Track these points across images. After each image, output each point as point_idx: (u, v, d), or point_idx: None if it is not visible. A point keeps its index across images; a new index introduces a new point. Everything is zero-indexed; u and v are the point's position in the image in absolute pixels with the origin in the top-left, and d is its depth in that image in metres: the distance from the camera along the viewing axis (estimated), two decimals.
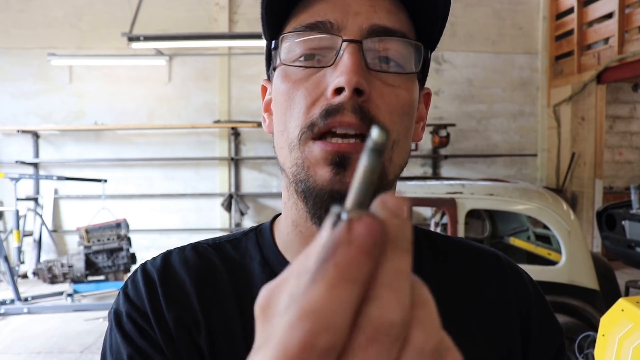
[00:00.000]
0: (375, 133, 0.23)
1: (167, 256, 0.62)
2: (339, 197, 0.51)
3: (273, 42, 0.58)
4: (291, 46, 0.54)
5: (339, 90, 0.50)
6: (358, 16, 0.53)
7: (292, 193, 0.57)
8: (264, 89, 0.64)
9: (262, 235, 0.64)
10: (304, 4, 0.55)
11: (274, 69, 0.58)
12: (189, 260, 0.61)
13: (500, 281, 0.65)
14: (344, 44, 0.51)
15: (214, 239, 0.65)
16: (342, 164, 0.50)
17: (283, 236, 0.61)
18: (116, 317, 0.57)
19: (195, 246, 0.63)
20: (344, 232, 0.21)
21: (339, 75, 0.50)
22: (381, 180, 0.53)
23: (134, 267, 5.54)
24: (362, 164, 0.23)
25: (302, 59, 0.54)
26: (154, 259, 0.62)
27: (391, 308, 0.21)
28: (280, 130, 0.56)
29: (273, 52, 0.58)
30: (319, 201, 0.52)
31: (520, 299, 0.64)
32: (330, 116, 0.50)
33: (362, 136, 0.51)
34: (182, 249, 0.63)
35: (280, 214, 0.64)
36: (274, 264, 0.60)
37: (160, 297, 0.57)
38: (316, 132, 0.51)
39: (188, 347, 0.55)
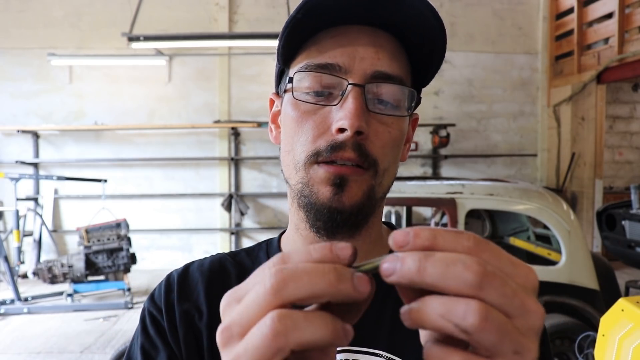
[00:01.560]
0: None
1: (189, 265, 0.74)
2: (336, 212, 0.60)
3: (286, 70, 0.67)
4: (302, 81, 0.62)
5: (342, 130, 0.59)
6: (363, 62, 0.60)
7: (294, 201, 0.66)
8: (272, 102, 0.73)
9: (271, 244, 0.75)
10: (315, 40, 0.62)
11: (285, 91, 0.66)
12: (204, 265, 0.73)
13: None
14: (349, 87, 0.60)
15: (234, 250, 0.77)
16: (341, 185, 0.60)
17: (288, 239, 0.72)
18: (142, 314, 0.70)
19: (214, 255, 0.75)
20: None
21: (343, 117, 0.58)
22: (370, 199, 0.62)
23: (134, 267, 5.57)
24: (381, 263, 0.33)
25: (311, 92, 0.62)
26: (179, 267, 0.74)
27: None
28: (287, 150, 0.65)
29: (284, 77, 0.67)
30: (319, 214, 0.61)
31: None
32: (334, 151, 0.59)
33: (359, 166, 0.60)
34: (203, 258, 0.75)
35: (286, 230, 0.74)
36: None
37: (175, 294, 0.69)
38: (320, 160, 0.61)
39: (187, 334, 0.66)
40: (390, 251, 0.69)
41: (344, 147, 0.59)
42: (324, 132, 0.60)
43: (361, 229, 0.64)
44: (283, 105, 0.67)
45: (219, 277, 0.71)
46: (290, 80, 0.63)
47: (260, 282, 0.32)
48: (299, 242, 0.68)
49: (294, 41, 0.63)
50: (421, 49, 0.63)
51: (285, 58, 0.65)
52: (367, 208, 0.62)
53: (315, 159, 0.60)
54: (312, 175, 0.61)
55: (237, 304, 0.33)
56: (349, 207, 0.60)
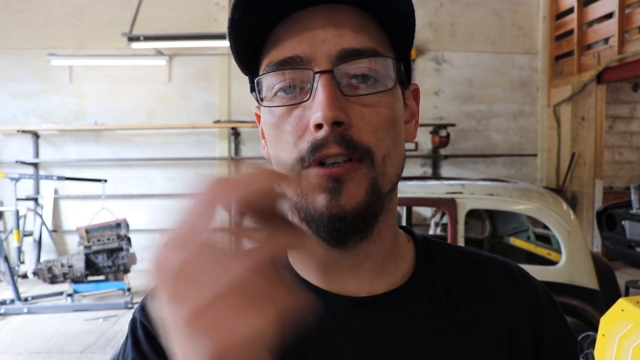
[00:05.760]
0: None
1: None
2: (337, 219, 0.53)
3: (252, 79, 0.60)
4: (268, 84, 0.56)
5: (319, 125, 0.52)
6: (325, 44, 0.53)
7: (295, 214, 0.58)
8: (257, 117, 0.65)
9: None
10: (273, 38, 0.55)
11: (261, 100, 0.59)
12: None
13: (511, 290, 0.65)
14: (317, 75, 0.52)
15: None
16: (335, 188, 0.52)
17: (295, 253, 0.63)
18: (132, 325, 0.61)
19: None
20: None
21: (315, 111, 0.51)
22: (375, 195, 0.54)
23: (134, 267, 5.56)
24: None
25: (280, 93, 0.55)
26: None
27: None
28: (275, 162, 0.59)
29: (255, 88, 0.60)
30: (321, 225, 0.54)
31: (532, 307, 0.64)
32: (317, 151, 0.52)
33: (351, 160, 0.53)
34: None
35: None
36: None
37: None
38: (306, 165, 0.53)
39: None
40: (416, 265, 0.64)
41: (327, 144, 0.52)
42: (303, 132, 0.54)
43: (372, 230, 0.56)
44: (262, 115, 0.60)
45: None
46: (254, 88, 0.57)
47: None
48: (304, 255, 0.61)
49: (246, 44, 0.56)
50: (390, 14, 0.55)
51: (249, 65, 0.59)
52: (373, 206, 0.54)
53: (302, 164, 0.53)
54: (304, 183, 0.52)
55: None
56: (351, 210, 0.52)
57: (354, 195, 0.53)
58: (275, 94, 0.55)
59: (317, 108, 0.51)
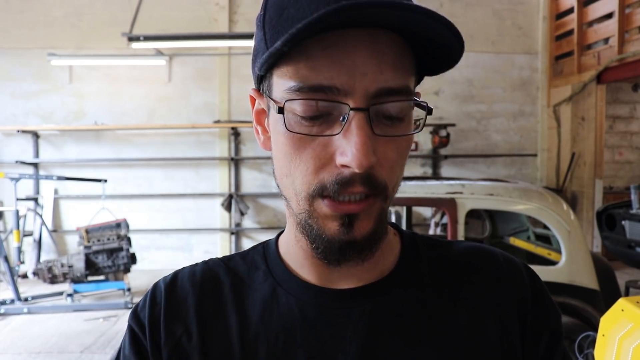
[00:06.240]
0: None
1: (177, 272, 0.67)
2: (347, 246, 0.54)
3: (267, 76, 0.56)
4: (294, 106, 0.52)
5: (348, 166, 0.51)
6: (364, 79, 0.51)
7: (298, 225, 0.58)
8: (253, 100, 0.62)
9: (268, 247, 0.67)
10: (304, 51, 0.51)
11: (270, 99, 0.56)
12: (196, 274, 0.65)
13: (498, 279, 0.65)
14: (351, 112, 0.51)
15: (227, 255, 0.70)
16: (350, 223, 0.53)
17: (287, 248, 0.65)
18: (127, 328, 0.64)
19: (206, 261, 0.68)
20: None
21: (348, 153, 0.50)
22: (382, 222, 0.56)
23: (134, 267, 5.56)
24: None
25: (306, 118, 0.52)
26: (167, 275, 0.67)
27: None
28: (284, 173, 0.57)
29: (266, 82, 0.57)
30: (329, 248, 0.55)
31: (520, 296, 0.64)
32: (342, 187, 0.52)
33: (367, 196, 0.53)
34: (194, 264, 0.68)
35: (284, 230, 0.67)
36: (277, 273, 0.63)
37: (162, 310, 0.62)
38: (325, 195, 0.53)
39: (170, 357, 0.60)
40: (401, 257, 0.66)
41: (352, 183, 0.52)
42: (326, 162, 0.52)
43: (375, 250, 0.57)
44: (271, 120, 0.57)
45: (211, 289, 0.64)
46: (281, 110, 0.53)
47: None
48: (299, 254, 0.62)
49: (278, 56, 0.52)
50: (431, 45, 0.52)
51: (268, 66, 0.54)
52: (379, 232, 0.56)
53: (320, 192, 0.53)
54: (317, 208, 0.54)
55: None
56: (360, 239, 0.54)
57: (365, 226, 0.54)
58: (300, 117, 0.53)
59: (350, 151, 0.50)
